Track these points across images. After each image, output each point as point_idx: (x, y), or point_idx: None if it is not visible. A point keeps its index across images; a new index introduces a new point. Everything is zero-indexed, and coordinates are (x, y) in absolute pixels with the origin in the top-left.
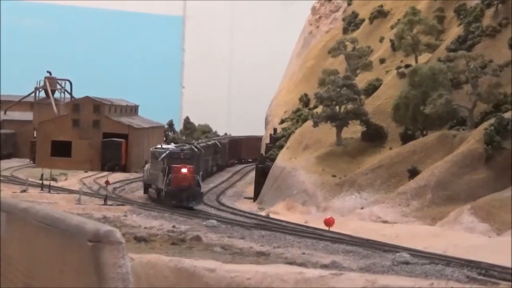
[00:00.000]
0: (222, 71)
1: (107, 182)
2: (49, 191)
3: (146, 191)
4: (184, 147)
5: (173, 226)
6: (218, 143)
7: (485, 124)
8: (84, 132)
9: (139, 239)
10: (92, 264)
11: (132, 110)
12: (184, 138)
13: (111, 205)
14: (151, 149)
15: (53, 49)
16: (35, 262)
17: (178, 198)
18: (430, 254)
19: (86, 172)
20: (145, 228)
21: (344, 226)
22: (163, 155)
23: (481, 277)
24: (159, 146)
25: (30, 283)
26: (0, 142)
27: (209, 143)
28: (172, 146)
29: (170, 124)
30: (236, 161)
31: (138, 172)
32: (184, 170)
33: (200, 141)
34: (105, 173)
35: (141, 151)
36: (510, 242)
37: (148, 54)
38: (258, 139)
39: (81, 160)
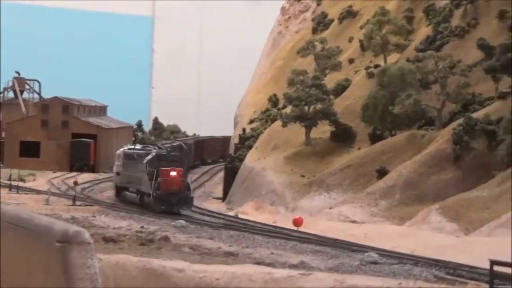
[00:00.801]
0: (191, 71)
1: (75, 183)
2: (17, 192)
3: (118, 194)
4: (148, 147)
5: (142, 227)
6: (183, 144)
7: (454, 124)
8: (53, 133)
9: (107, 240)
10: (61, 264)
11: (101, 110)
12: (153, 138)
13: (79, 205)
14: (124, 149)
15: (22, 49)
16: (3, 262)
17: (167, 203)
18: (398, 254)
19: (55, 172)
20: (114, 228)
21: (313, 226)
22: (149, 157)
23: (449, 276)
24: (127, 146)
25: None
26: None
27: (174, 144)
28: (137, 146)
29: (139, 125)
30: (199, 163)
31: (106, 173)
32: (173, 174)
33: (164, 142)
34: (73, 173)
35: (109, 152)
36: (478, 242)
37: (117, 54)
38: (226, 139)
39: (49, 160)
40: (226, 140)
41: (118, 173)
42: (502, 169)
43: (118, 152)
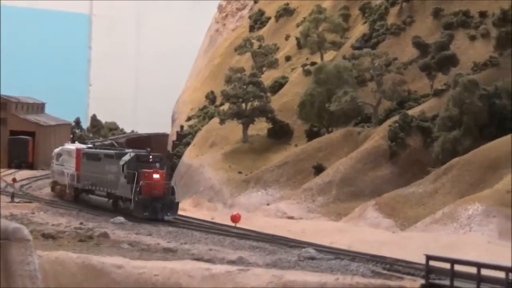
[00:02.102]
0: (129, 69)
1: (14, 180)
2: None
3: (53, 190)
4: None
5: (81, 223)
6: (114, 143)
7: (390, 121)
8: None
9: (46, 236)
10: (1, 261)
11: (39, 107)
12: (91, 135)
13: (18, 202)
14: (82, 147)
15: None
16: None
17: (151, 209)
18: (335, 249)
19: None
20: (53, 225)
21: (250, 222)
22: (126, 158)
23: (386, 271)
24: (67, 144)
25: None
26: None
27: (105, 142)
28: (76, 143)
29: (77, 122)
30: None
31: (44, 170)
32: (156, 176)
33: (95, 140)
34: (12, 170)
35: (48, 149)
36: (413, 237)
37: (55, 52)
38: (164, 136)
39: None
40: (164, 136)
41: (62, 171)
42: (437, 166)
43: (66, 149)
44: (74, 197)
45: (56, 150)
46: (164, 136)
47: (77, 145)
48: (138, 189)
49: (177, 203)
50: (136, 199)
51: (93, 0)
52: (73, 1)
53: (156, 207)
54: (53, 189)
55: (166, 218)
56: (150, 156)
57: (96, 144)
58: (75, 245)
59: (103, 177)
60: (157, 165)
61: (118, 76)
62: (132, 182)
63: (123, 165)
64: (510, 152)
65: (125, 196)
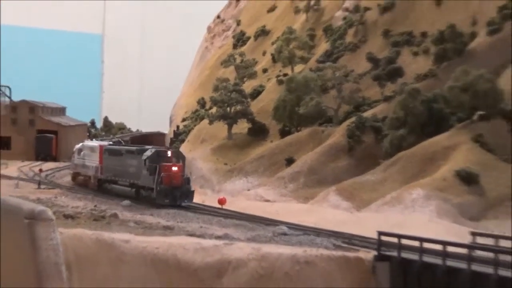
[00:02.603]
0: (135, 79)
1: (40, 170)
2: None
3: (74, 179)
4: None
5: (95, 206)
6: (121, 140)
7: (348, 122)
8: (21, 129)
9: (67, 216)
10: (28, 238)
11: (61, 111)
12: (103, 134)
13: (44, 188)
14: (104, 144)
15: None
16: None
17: (171, 197)
18: (303, 227)
19: (23, 161)
20: (72, 207)
21: (234, 204)
22: (148, 153)
23: (345, 245)
24: (87, 141)
25: None
26: None
27: (113, 139)
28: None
29: (92, 123)
30: None
31: (66, 162)
32: (175, 169)
33: (103, 138)
34: (38, 162)
35: (68, 145)
36: (367, 217)
37: (74, 65)
38: (162, 134)
39: (19, 152)
40: (160, 135)
41: (85, 166)
42: (386, 158)
43: (88, 145)
44: (98, 186)
45: (77, 146)
46: (162, 134)
47: (100, 142)
48: (159, 180)
49: (193, 191)
50: (158, 188)
51: (105, 21)
52: (88, 22)
53: (176, 195)
54: (73, 179)
55: (183, 204)
56: (169, 152)
57: (112, 140)
58: (90, 224)
59: (125, 170)
60: (174, 159)
61: (125, 85)
62: (154, 174)
63: (145, 160)
64: (446, 147)
65: (147, 185)
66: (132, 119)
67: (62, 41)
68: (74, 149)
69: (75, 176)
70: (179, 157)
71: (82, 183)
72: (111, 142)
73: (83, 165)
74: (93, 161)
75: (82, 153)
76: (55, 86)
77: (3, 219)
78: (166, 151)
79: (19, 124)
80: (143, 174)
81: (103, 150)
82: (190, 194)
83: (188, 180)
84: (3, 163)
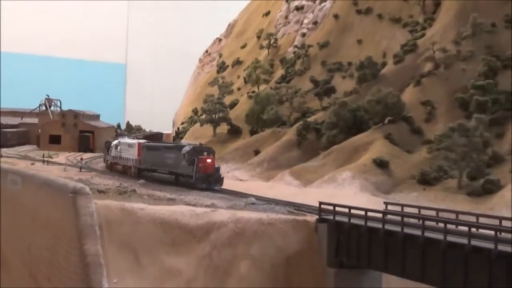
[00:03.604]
0: (147, 97)
1: (81, 158)
2: (47, 164)
3: (110, 167)
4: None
5: (120, 184)
6: (136, 138)
7: (297, 125)
8: (68, 130)
9: (99, 191)
10: (73, 207)
11: (96, 117)
12: (126, 133)
13: (84, 171)
14: (141, 141)
15: (47, 84)
16: (39, 206)
17: (207, 182)
18: (266, 198)
19: (69, 153)
20: (104, 185)
21: None
22: (186, 149)
23: (296, 211)
24: (122, 138)
25: (35, 219)
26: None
27: (131, 136)
28: (123, 137)
29: (118, 125)
30: None
31: (99, 153)
32: (209, 160)
33: (125, 136)
34: (80, 153)
35: (102, 141)
36: (312, 191)
37: (107, 87)
38: (168, 134)
39: (66, 145)
40: (160, 134)
41: (122, 158)
42: (324, 150)
43: (126, 142)
44: (137, 174)
45: (114, 142)
46: (168, 134)
47: (137, 140)
48: (197, 169)
49: (223, 178)
50: (197, 175)
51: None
52: (112, 52)
53: (210, 181)
54: (110, 167)
55: (216, 188)
56: (203, 147)
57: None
58: (116, 197)
59: (163, 161)
60: (205, 153)
61: (142, 101)
62: (193, 165)
63: (184, 153)
64: (365, 142)
65: (186, 173)
66: (146, 122)
67: (99, 70)
68: (112, 145)
69: (112, 165)
70: (210, 152)
71: (120, 171)
72: (136, 138)
73: (121, 157)
74: (132, 154)
75: (119, 148)
76: (94, 99)
77: (54, 194)
78: (201, 147)
79: (67, 126)
80: (182, 164)
81: (141, 146)
82: (220, 180)
83: (218, 169)
84: (55, 153)
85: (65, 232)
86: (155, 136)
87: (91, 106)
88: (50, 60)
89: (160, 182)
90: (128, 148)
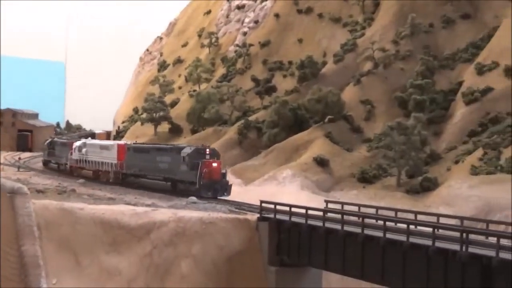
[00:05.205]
0: (87, 96)
1: (19, 158)
2: None
3: (46, 164)
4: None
5: (59, 183)
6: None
7: (238, 123)
8: (6, 129)
9: (38, 191)
10: (10, 207)
11: (35, 116)
12: (66, 132)
13: (22, 171)
14: (123, 143)
15: None
16: None
17: (213, 190)
18: (208, 197)
19: (7, 152)
20: (42, 184)
21: None
22: (187, 151)
23: (237, 209)
24: (90, 139)
25: None
26: None
27: (70, 136)
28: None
29: (58, 125)
30: None
31: (38, 152)
32: (215, 165)
33: (65, 135)
34: (19, 152)
35: (41, 140)
36: (253, 190)
37: (47, 84)
38: (108, 132)
39: (4, 145)
40: (103, 134)
41: (89, 162)
42: (265, 149)
43: (100, 144)
44: (120, 180)
45: (77, 143)
46: (108, 132)
47: (118, 141)
48: (202, 175)
49: (231, 185)
50: (201, 182)
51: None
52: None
53: (217, 189)
54: (71, 171)
55: (222, 197)
56: (207, 150)
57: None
58: (55, 196)
59: (154, 166)
60: (208, 156)
61: (81, 98)
62: (195, 170)
63: (184, 156)
64: (306, 141)
65: (187, 180)
66: (86, 122)
67: (41, 69)
68: (74, 147)
69: (75, 169)
70: (215, 154)
71: (89, 176)
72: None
73: (88, 160)
74: (109, 157)
75: (84, 150)
76: (33, 98)
77: None
78: (205, 149)
79: (5, 125)
80: (181, 169)
81: (126, 148)
82: (228, 187)
83: (224, 175)
84: None
85: (2, 232)
86: (90, 136)
87: (30, 105)
88: None
89: (100, 183)
90: (100, 151)
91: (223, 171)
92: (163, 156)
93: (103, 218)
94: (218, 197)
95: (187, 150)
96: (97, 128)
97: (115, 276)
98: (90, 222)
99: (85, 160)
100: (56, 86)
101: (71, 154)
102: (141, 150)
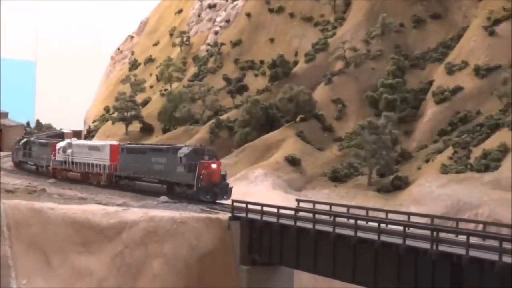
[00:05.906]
0: (58, 95)
1: None
2: None
3: (19, 165)
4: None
5: (29, 183)
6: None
7: (210, 123)
8: None
9: (8, 191)
10: None
11: (4, 115)
12: (36, 131)
13: None
14: (115, 143)
15: None
16: None
17: (212, 193)
18: (179, 197)
19: None
20: (12, 184)
21: None
22: (184, 151)
23: (208, 209)
24: (76, 140)
25: None
26: None
27: (40, 135)
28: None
29: (28, 124)
30: None
31: (7, 152)
32: (214, 166)
33: (36, 134)
34: None
35: (10, 139)
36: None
37: (17, 83)
38: (79, 132)
39: None
40: (76, 133)
41: (76, 163)
42: (237, 148)
43: (91, 144)
44: (113, 182)
45: (61, 144)
46: (79, 132)
47: (110, 142)
48: (200, 177)
49: (231, 188)
50: (199, 185)
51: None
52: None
53: (216, 192)
54: (54, 174)
55: (222, 201)
56: (205, 150)
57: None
58: (25, 196)
59: (150, 167)
60: (206, 157)
61: (52, 97)
62: (193, 171)
63: (181, 157)
64: (278, 140)
65: (184, 182)
66: (56, 121)
67: (4, 65)
68: (58, 147)
69: (58, 172)
70: (213, 155)
71: (77, 179)
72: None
73: (74, 162)
74: (100, 158)
75: (69, 151)
76: (2, 97)
77: None
78: (203, 149)
79: None
80: (178, 171)
81: (119, 149)
82: (228, 190)
83: (224, 177)
84: None
85: None
86: (58, 136)
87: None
88: None
89: (71, 182)
90: (89, 152)
91: (223, 172)
92: (158, 157)
93: (74, 218)
94: (217, 201)
95: (184, 150)
96: (68, 127)
97: (86, 276)
98: (61, 222)
99: (72, 162)
100: (26, 85)
101: (54, 155)
102: (135, 151)
